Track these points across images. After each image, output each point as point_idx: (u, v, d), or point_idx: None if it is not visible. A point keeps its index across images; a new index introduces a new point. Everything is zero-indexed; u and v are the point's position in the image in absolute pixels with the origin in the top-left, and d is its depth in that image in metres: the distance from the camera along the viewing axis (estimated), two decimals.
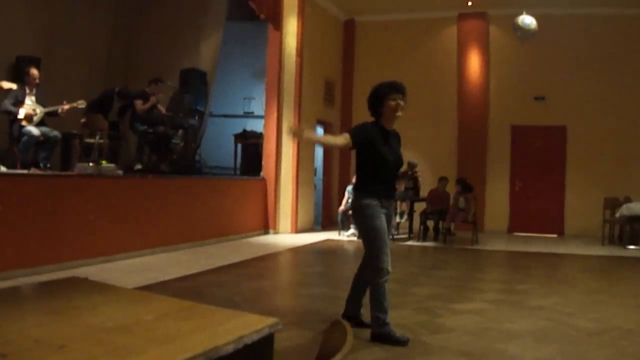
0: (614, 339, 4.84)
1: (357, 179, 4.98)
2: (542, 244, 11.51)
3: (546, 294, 6.66)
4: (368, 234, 4.77)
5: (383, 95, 4.93)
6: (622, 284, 7.53)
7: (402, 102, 4.89)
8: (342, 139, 4.76)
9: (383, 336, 4.61)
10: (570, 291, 6.91)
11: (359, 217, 4.82)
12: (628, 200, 11.30)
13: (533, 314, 5.70)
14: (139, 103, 9.89)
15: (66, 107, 8.27)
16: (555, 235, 12.97)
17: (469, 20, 13.75)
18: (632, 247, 10.78)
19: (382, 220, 4.73)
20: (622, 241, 11.26)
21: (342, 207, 11.94)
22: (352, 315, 5.06)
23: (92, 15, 11.80)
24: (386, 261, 4.73)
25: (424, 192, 12.08)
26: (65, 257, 7.05)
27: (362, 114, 14.66)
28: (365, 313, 4.93)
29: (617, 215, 11.10)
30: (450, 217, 11.33)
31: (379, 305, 4.66)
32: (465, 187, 11.41)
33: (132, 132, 10.27)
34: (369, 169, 4.81)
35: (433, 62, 14.13)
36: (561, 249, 10.73)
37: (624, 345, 4.67)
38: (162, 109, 10.27)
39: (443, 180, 11.90)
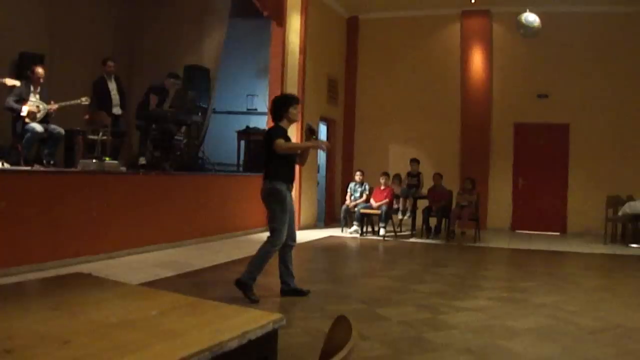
0: (617, 337, 4.84)
1: (269, 168, 5.87)
2: (545, 241, 11.51)
3: (549, 292, 6.66)
4: (276, 213, 5.78)
5: (288, 104, 5.97)
6: (625, 283, 7.52)
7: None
8: (284, 142, 5.84)
9: (245, 286, 5.69)
10: (573, 289, 6.91)
11: (272, 198, 5.80)
12: (631, 198, 11.28)
13: (536, 311, 5.70)
14: (154, 98, 9.86)
15: (55, 106, 8.26)
16: (557, 233, 12.96)
17: (472, 18, 13.73)
18: (634, 245, 10.77)
19: (289, 203, 5.87)
20: (625, 239, 11.25)
21: (347, 202, 11.95)
22: (290, 286, 6.13)
23: (95, 11, 11.78)
24: (283, 236, 5.81)
25: (426, 190, 12.08)
26: (69, 253, 7.06)
27: (365, 111, 14.69)
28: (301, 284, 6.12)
29: (620, 213, 11.09)
30: (455, 216, 11.34)
31: (259, 267, 5.79)
32: (473, 185, 11.49)
33: (135, 129, 10.26)
34: (282, 160, 5.84)
35: (436, 60, 14.12)
36: (564, 247, 10.72)
37: (626, 343, 4.67)
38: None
39: (436, 175, 11.93)
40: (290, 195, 5.98)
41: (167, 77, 10.18)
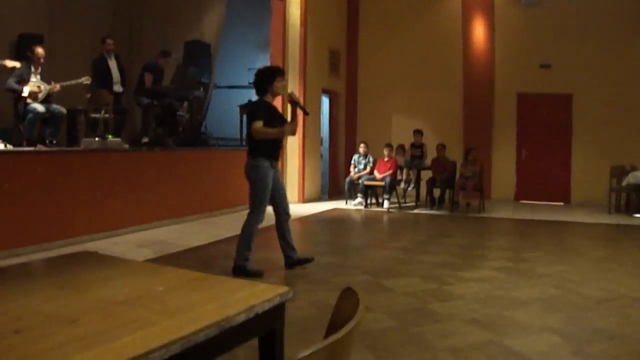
0: (621, 307, 4.87)
1: (252, 144, 5.81)
2: (549, 212, 11.51)
3: (553, 262, 6.68)
4: (258, 189, 5.74)
5: (272, 77, 5.82)
6: (629, 253, 7.53)
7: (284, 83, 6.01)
8: (261, 126, 5.66)
9: (242, 270, 5.64)
10: (577, 259, 6.92)
11: (254, 175, 5.75)
12: (634, 168, 11.25)
13: (540, 281, 5.73)
14: (148, 76, 9.86)
15: (57, 87, 8.23)
16: (561, 204, 12.95)
17: None
18: (638, 215, 10.76)
19: (271, 179, 5.76)
20: (629, 209, 11.23)
21: (352, 174, 11.94)
22: (294, 258, 6.10)
23: None
24: (263, 212, 5.77)
25: (430, 161, 12.07)
26: (73, 232, 7.10)
27: (367, 83, 14.61)
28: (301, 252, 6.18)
29: (624, 183, 11.07)
30: (458, 187, 11.35)
31: (246, 245, 5.72)
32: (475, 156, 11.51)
33: (137, 106, 10.25)
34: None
35: (438, 30, 13.99)
36: (567, 217, 10.72)
37: (630, 313, 4.70)
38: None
39: (439, 146, 11.90)
40: (277, 171, 5.94)
41: (159, 56, 10.18)
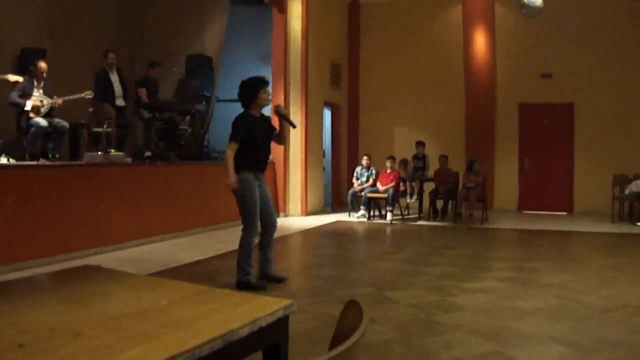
0: (626, 316, 4.85)
1: (236, 158, 5.64)
2: (552, 221, 11.49)
3: (557, 272, 6.66)
4: (244, 203, 5.66)
5: (256, 88, 5.71)
6: (633, 261, 7.50)
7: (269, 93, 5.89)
8: (231, 152, 5.59)
9: (246, 284, 5.63)
10: (581, 269, 6.90)
11: (239, 188, 5.61)
12: (637, 176, 11.22)
13: (544, 291, 5.71)
14: (142, 91, 9.88)
15: (59, 101, 8.25)
16: (564, 213, 12.93)
17: None
18: None
19: (257, 191, 5.67)
20: (632, 218, 11.21)
21: (356, 185, 11.94)
22: (266, 272, 5.99)
23: (95, 3, 11.76)
24: (256, 224, 5.70)
25: (432, 172, 12.07)
26: (76, 246, 7.10)
27: (369, 95, 14.64)
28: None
29: (627, 192, 11.03)
30: (461, 198, 11.34)
31: (246, 258, 5.69)
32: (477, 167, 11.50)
33: (139, 120, 10.27)
34: (248, 150, 5.64)
35: (439, 42, 14.04)
36: (571, 227, 10.70)
37: (636, 322, 4.68)
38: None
39: (442, 158, 11.91)
40: (263, 183, 5.85)
41: (148, 67, 10.21)
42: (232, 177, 5.57)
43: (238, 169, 5.63)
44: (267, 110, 6.51)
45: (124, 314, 2.02)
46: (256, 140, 5.67)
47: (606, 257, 7.92)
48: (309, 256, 8.32)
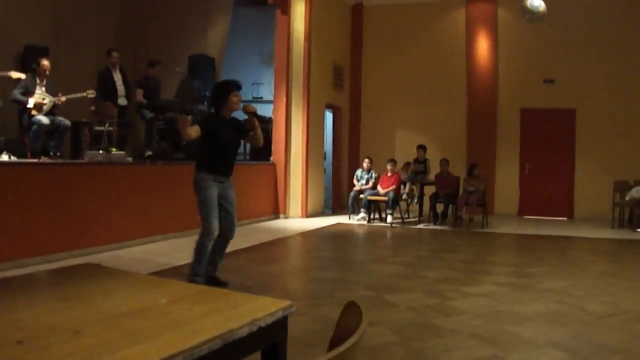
0: (625, 321, 4.85)
1: (199, 156, 5.67)
2: (552, 227, 11.49)
3: (557, 277, 6.66)
4: (199, 203, 5.54)
5: (228, 91, 5.63)
6: (633, 267, 7.50)
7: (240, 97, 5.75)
8: (195, 132, 5.40)
9: (212, 281, 5.66)
10: (581, 274, 6.90)
11: (195, 188, 5.56)
12: (638, 183, 11.21)
13: (544, 297, 5.70)
14: (139, 92, 9.88)
15: (63, 98, 8.26)
16: (565, 219, 12.93)
17: (477, 3, 13.62)
18: None
19: (213, 192, 5.52)
20: (632, 224, 11.19)
21: (357, 187, 11.93)
22: (210, 274, 5.81)
23: (99, 2, 11.78)
24: (214, 224, 5.51)
25: (433, 176, 12.07)
26: (77, 244, 7.10)
27: (371, 98, 14.64)
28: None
29: (627, 198, 11.04)
30: (462, 202, 11.34)
31: (200, 258, 5.58)
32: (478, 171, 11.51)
33: (140, 119, 10.28)
34: (208, 150, 5.58)
35: (441, 46, 14.04)
36: (571, 232, 10.70)
37: (635, 328, 4.67)
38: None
39: (443, 162, 11.91)
40: (227, 187, 5.70)
41: (147, 67, 10.22)
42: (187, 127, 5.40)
43: (197, 168, 5.61)
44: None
45: (124, 312, 2.02)
46: (221, 139, 5.56)
47: (606, 263, 7.93)
48: (309, 258, 8.31)
